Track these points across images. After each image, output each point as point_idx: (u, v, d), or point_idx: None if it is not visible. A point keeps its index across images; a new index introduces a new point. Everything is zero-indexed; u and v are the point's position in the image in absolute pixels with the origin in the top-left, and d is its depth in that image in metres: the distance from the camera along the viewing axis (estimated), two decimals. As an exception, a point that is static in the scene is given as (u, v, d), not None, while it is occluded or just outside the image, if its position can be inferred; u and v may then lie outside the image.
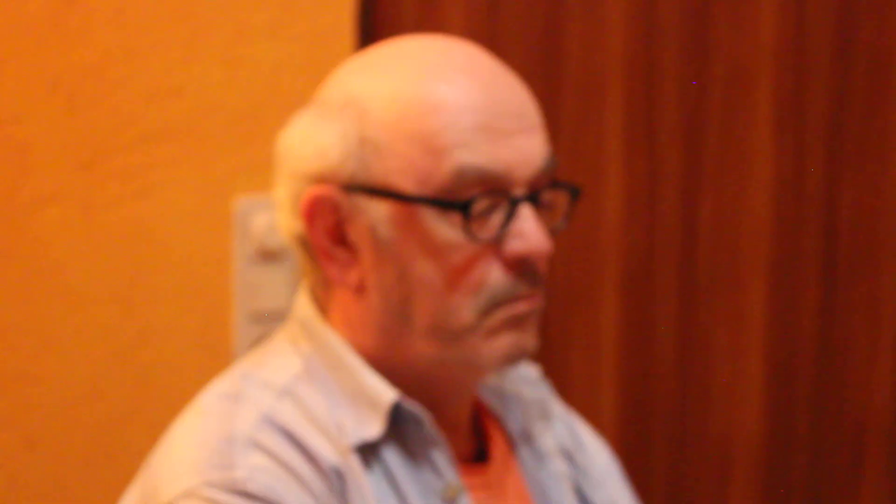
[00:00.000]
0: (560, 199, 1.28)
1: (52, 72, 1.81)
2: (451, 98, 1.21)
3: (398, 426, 1.24)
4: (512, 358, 1.25)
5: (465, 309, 1.22)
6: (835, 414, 2.30)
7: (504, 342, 1.24)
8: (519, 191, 1.22)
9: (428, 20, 2.04)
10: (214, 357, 1.91)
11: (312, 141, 1.24)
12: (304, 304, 1.30)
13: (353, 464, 1.21)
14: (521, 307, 1.24)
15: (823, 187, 2.24)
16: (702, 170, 2.19)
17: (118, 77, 1.83)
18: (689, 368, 2.24)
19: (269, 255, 1.91)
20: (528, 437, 1.39)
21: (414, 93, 1.22)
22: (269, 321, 1.92)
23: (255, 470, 1.19)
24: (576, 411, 1.50)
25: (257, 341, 1.92)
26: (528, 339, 1.25)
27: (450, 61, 1.25)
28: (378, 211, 1.22)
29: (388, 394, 1.23)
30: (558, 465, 1.40)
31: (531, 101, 1.26)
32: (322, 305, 1.29)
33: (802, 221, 2.24)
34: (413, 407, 1.24)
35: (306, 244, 1.26)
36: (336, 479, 1.21)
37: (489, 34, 2.07)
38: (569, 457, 1.42)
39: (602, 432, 1.58)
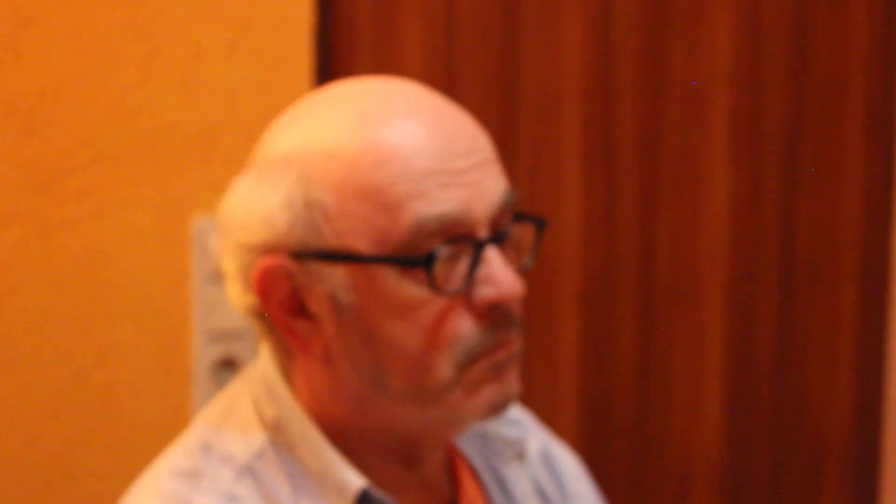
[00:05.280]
0: (525, 232, 1.21)
1: (8, 93, 1.80)
2: (397, 146, 1.13)
3: None
4: (497, 408, 1.18)
5: (442, 366, 1.15)
6: (794, 427, 2.31)
7: (487, 394, 1.17)
8: (482, 232, 1.15)
9: (384, 42, 2.04)
10: (173, 377, 1.91)
11: (256, 209, 1.16)
12: (267, 362, 1.23)
13: None
14: (500, 355, 1.17)
15: (780, 204, 2.26)
16: (659, 187, 2.20)
17: (74, 98, 1.83)
18: (649, 385, 2.24)
19: (227, 275, 1.91)
20: (501, 482, 1.34)
21: (355, 145, 1.13)
22: (228, 340, 1.93)
23: None
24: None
25: (216, 364, 1.94)
26: (512, 386, 1.19)
27: (388, 105, 1.16)
28: (335, 276, 1.14)
29: (355, 482, 1.17)
30: None
31: (481, 133, 1.18)
32: (285, 371, 1.22)
33: (760, 238, 2.26)
34: (381, 495, 1.18)
35: (262, 316, 1.19)
36: None
37: (445, 57, 2.08)
38: (544, 497, 1.38)
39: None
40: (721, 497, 2.29)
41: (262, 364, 1.24)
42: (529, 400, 2.17)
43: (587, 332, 2.20)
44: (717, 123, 2.21)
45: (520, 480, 1.35)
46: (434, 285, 1.13)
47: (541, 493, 1.38)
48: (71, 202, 1.84)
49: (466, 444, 1.34)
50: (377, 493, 1.18)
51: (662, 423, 2.25)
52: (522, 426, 1.38)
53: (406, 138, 1.13)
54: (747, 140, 2.22)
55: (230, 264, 1.19)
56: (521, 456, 1.35)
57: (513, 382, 1.19)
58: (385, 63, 2.03)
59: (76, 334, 1.86)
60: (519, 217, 1.19)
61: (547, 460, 1.41)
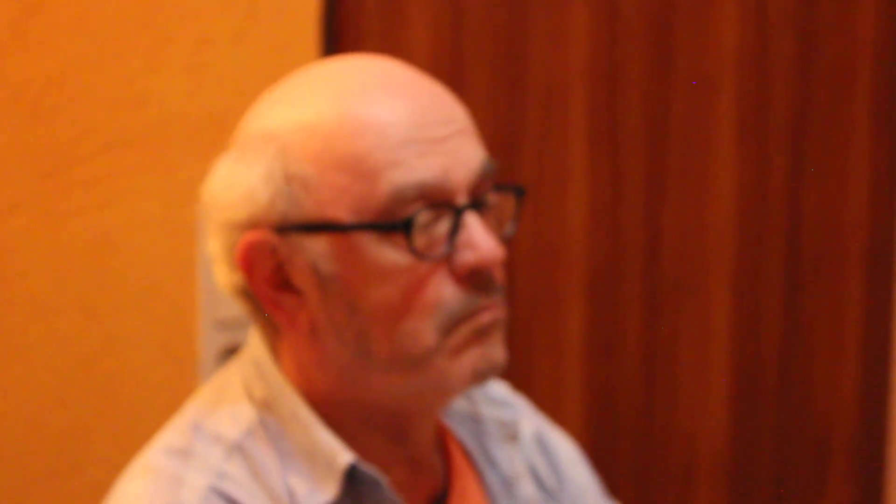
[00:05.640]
0: (507, 204, 1.22)
1: (15, 81, 1.81)
2: (374, 117, 1.15)
3: (354, 486, 1.19)
4: (482, 374, 1.19)
5: (426, 331, 1.16)
6: (799, 417, 2.31)
7: (471, 358, 1.18)
8: (461, 198, 1.16)
9: (391, 29, 2.04)
10: (179, 365, 1.91)
11: (237, 186, 1.18)
12: (256, 343, 1.25)
13: None
14: (483, 318, 1.18)
15: (786, 193, 2.25)
16: (666, 176, 2.20)
17: (81, 86, 1.83)
18: (655, 373, 2.24)
19: (233, 263, 1.91)
20: (493, 462, 1.35)
21: (333, 118, 1.15)
22: (234, 328, 1.93)
23: None
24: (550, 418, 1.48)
25: (222, 352, 1.94)
26: (496, 351, 1.19)
27: (365, 80, 1.18)
28: (317, 246, 1.16)
29: (343, 456, 1.18)
30: (526, 490, 1.36)
31: (458, 105, 1.20)
32: (273, 349, 1.23)
33: (766, 227, 2.26)
34: (370, 469, 1.19)
35: (249, 294, 1.21)
36: None
37: (453, 44, 2.08)
38: (538, 480, 1.39)
39: (566, 439, 1.57)
40: (726, 487, 2.30)
41: (252, 346, 1.25)
42: (535, 391, 2.17)
43: (593, 322, 2.20)
44: (724, 113, 2.21)
45: (513, 461, 1.36)
46: (414, 250, 1.14)
47: (535, 475, 1.39)
48: (77, 190, 1.84)
49: (458, 427, 1.35)
50: (365, 467, 1.19)
51: (668, 414, 2.26)
52: (514, 408, 1.39)
53: (382, 109, 1.15)
54: (753, 129, 2.22)
55: (216, 245, 1.21)
56: (512, 437, 1.36)
57: (497, 348, 1.20)
58: (392, 50, 2.03)
59: (82, 322, 1.87)
60: (499, 187, 1.21)
61: (542, 444, 1.41)
